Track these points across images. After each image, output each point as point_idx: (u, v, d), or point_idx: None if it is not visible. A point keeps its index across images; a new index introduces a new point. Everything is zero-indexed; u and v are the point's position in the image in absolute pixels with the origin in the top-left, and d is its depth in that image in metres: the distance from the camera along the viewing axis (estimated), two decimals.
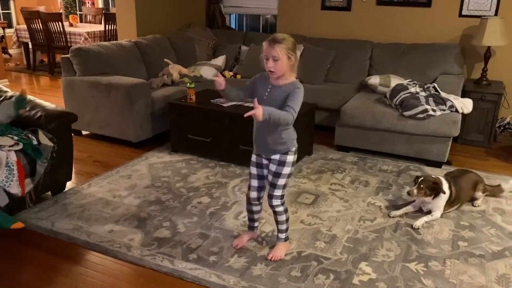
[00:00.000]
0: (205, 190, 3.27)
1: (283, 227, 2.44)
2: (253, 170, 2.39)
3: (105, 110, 4.04)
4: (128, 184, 3.35)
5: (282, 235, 2.47)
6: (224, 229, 2.75)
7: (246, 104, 3.63)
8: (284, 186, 2.35)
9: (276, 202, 2.35)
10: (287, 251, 2.52)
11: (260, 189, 2.42)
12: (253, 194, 2.42)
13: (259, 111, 1.98)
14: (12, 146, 2.68)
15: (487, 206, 3.13)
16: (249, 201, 2.47)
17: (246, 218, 2.62)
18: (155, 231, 2.71)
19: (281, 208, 2.38)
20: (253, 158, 2.38)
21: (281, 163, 2.27)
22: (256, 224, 2.59)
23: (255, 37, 5.45)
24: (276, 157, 2.27)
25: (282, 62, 2.10)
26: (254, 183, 2.40)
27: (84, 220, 2.83)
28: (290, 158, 2.28)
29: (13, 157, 2.64)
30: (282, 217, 2.41)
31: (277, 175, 2.29)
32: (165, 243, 2.59)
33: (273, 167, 2.29)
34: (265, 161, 2.34)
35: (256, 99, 2.04)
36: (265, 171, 2.37)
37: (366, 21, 5.07)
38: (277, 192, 2.33)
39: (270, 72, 2.15)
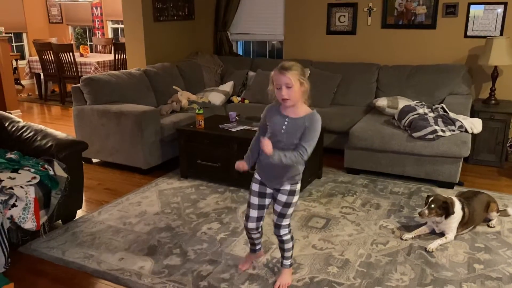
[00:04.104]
0: (214, 215, 3.26)
1: (289, 254, 2.39)
2: (254, 200, 2.30)
3: (115, 138, 4.08)
4: (138, 211, 3.35)
5: (288, 262, 2.41)
6: (235, 255, 2.72)
7: (255, 129, 3.64)
8: (291, 214, 2.32)
9: (284, 231, 2.30)
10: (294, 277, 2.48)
11: (259, 219, 2.35)
12: (252, 225, 2.35)
13: (268, 148, 2.03)
14: (30, 181, 2.69)
15: (502, 227, 3.06)
16: (247, 231, 2.41)
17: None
18: (165, 259, 2.69)
19: (288, 236, 2.33)
20: (255, 187, 2.30)
21: (292, 193, 2.23)
22: (257, 247, 2.54)
23: (261, 62, 5.52)
24: (287, 187, 2.22)
25: (295, 88, 2.03)
26: (254, 213, 2.32)
27: (94, 248, 2.83)
28: (299, 186, 2.26)
29: (32, 194, 2.64)
30: (289, 245, 2.36)
31: (288, 205, 2.25)
32: (176, 271, 2.57)
33: (283, 198, 2.23)
34: (269, 190, 2.28)
35: (265, 138, 2.06)
36: (267, 201, 2.31)
37: (371, 44, 5.11)
38: (286, 222, 2.29)
39: (284, 100, 2.06)
